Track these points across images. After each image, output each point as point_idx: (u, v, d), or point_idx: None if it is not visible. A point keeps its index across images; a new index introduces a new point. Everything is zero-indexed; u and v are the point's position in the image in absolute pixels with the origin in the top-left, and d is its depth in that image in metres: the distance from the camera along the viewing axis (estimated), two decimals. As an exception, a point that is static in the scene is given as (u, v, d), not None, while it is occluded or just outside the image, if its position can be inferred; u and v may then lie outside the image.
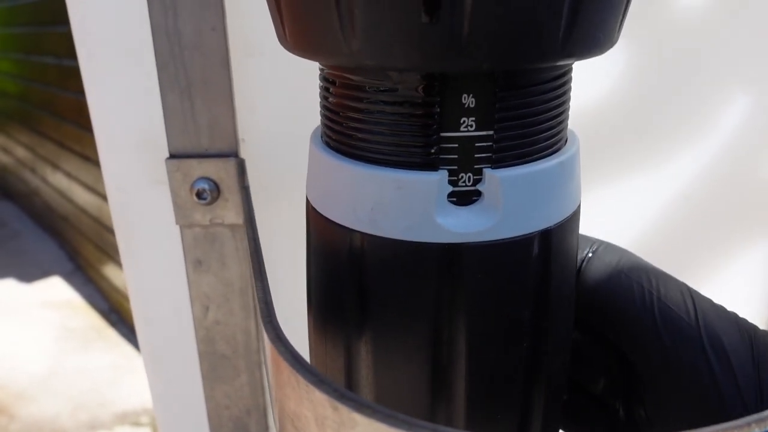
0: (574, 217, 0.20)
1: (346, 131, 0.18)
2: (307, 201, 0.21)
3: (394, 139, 0.17)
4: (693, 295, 0.22)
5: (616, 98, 0.37)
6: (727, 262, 0.41)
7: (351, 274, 0.19)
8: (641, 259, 0.23)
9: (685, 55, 0.36)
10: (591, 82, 0.36)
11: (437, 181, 0.17)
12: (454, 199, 0.18)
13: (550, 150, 0.19)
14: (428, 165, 0.17)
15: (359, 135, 0.18)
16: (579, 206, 0.20)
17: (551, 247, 0.19)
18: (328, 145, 0.20)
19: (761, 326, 0.41)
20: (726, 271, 0.41)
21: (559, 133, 0.19)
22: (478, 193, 0.18)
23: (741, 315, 0.21)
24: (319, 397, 0.15)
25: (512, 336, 0.19)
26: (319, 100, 0.20)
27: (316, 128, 0.21)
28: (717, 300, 0.22)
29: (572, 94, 0.20)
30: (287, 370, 0.16)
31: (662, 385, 0.21)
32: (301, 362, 0.16)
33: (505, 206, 0.17)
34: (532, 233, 0.18)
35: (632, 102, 0.37)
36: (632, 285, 0.22)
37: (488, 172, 0.17)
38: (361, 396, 0.20)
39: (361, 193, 0.18)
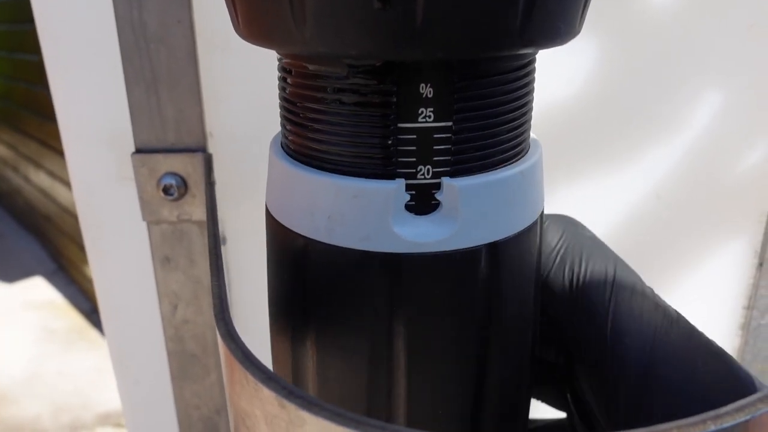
0: (536, 224, 0.19)
1: (304, 124, 0.18)
2: (266, 208, 0.20)
3: (351, 130, 0.17)
4: (616, 277, 0.21)
5: (585, 96, 0.37)
6: (700, 261, 0.41)
7: (308, 282, 0.19)
8: (583, 231, 0.23)
9: (655, 53, 0.36)
10: (560, 80, 0.36)
11: (394, 189, 0.17)
12: (413, 209, 0.17)
13: (510, 158, 0.18)
14: (385, 174, 0.17)
15: (316, 126, 0.18)
16: (542, 213, 0.20)
17: (514, 254, 0.18)
18: (287, 153, 0.19)
19: (735, 327, 0.41)
20: (699, 270, 0.41)
21: (520, 136, 0.18)
22: (437, 204, 0.17)
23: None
24: (267, 395, 0.14)
25: (470, 342, 0.19)
26: None
27: (276, 135, 0.21)
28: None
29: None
30: (237, 368, 0.15)
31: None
32: (250, 359, 0.15)
33: (464, 215, 0.17)
34: (492, 242, 0.18)
35: (602, 100, 0.37)
36: (564, 266, 0.22)
37: (446, 181, 0.17)
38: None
39: (317, 202, 0.18)
